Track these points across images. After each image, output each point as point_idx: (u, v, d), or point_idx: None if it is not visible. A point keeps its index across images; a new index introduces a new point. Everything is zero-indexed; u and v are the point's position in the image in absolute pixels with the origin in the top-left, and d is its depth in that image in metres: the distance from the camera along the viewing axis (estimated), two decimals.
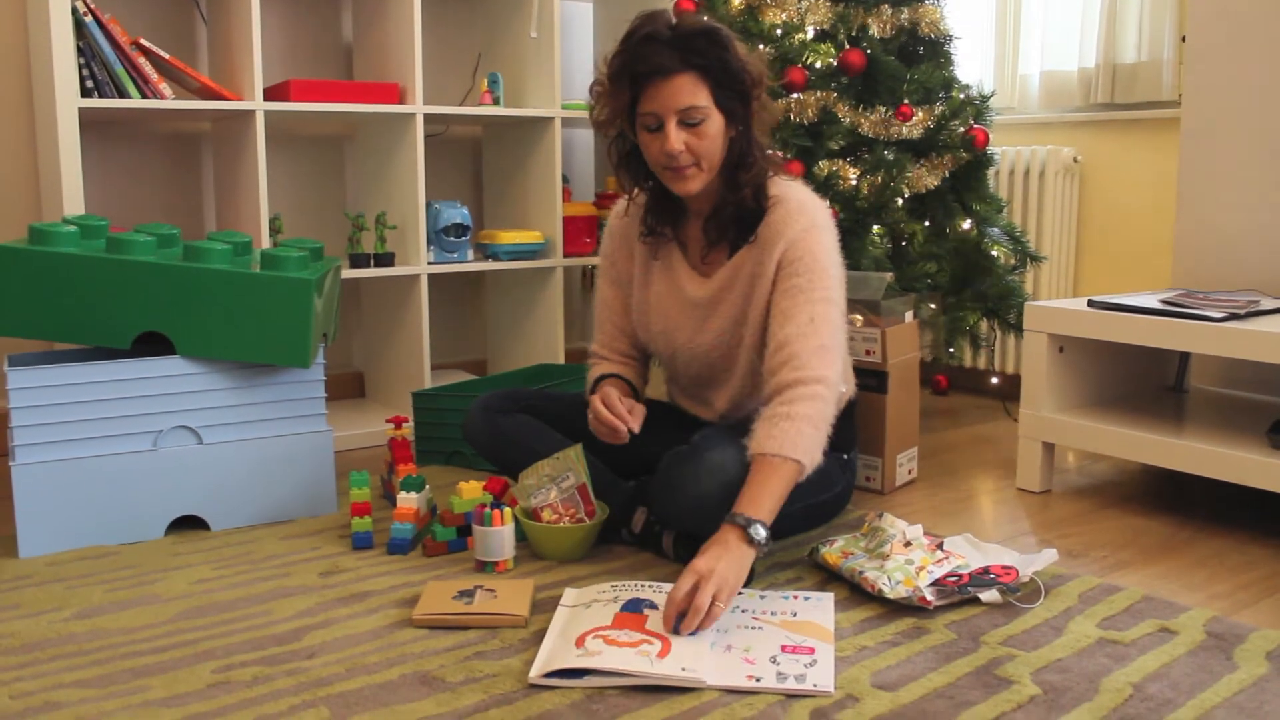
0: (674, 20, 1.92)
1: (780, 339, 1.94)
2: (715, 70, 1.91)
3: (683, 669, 1.55)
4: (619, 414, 2.01)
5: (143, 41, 2.69)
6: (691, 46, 1.89)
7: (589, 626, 1.67)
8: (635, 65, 1.90)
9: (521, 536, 2.12)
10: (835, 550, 1.99)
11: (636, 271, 2.19)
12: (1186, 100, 2.79)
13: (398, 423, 2.48)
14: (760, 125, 2.01)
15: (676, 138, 1.91)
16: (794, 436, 1.82)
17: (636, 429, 2.01)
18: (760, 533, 1.73)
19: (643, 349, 2.25)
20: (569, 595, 1.85)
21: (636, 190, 2.13)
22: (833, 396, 1.90)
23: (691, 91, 1.90)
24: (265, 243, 2.82)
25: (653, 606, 1.73)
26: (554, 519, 2.07)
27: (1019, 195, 3.44)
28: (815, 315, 1.94)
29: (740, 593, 1.86)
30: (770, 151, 2.06)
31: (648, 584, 1.84)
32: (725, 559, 1.69)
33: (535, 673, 1.56)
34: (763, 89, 1.99)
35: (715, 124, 1.93)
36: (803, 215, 1.99)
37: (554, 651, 1.61)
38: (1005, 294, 3.03)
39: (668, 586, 1.79)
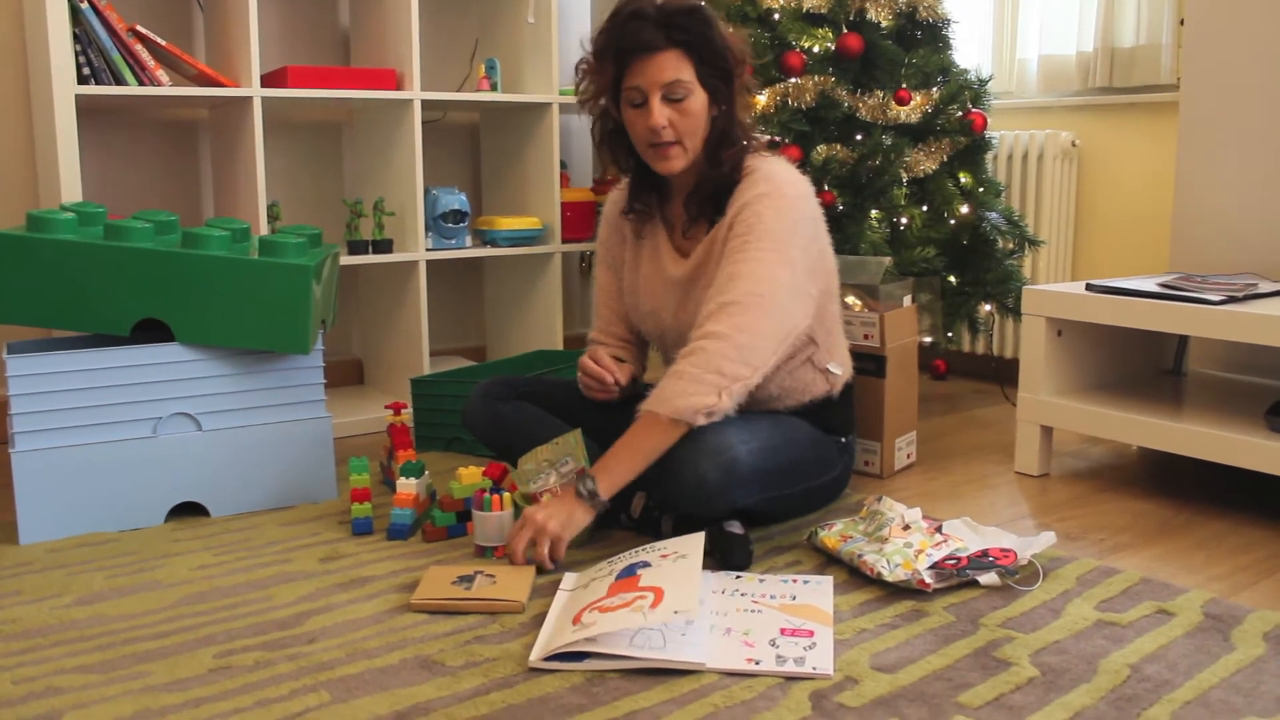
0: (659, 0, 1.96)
1: (705, 298, 1.99)
2: (699, 47, 1.95)
3: (675, 611, 1.56)
4: (606, 366, 2.08)
5: (139, 28, 2.68)
6: (676, 24, 1.94)
7: (586, 603, 1.68)
8: (620, 41, 1.95)
9: None
10: (834, 534, 1.99)
11: (627, 254, 2.22)
12: (1185, 84, 2.79)
13: (397, 409, 2.48)
14: (743, 106, 2.05)
15: (660, 113, 1.95)
16: (658, 391, 1.91)
17: (624, 381, 2.10)
18: (591, 487, 1.89)
19: (640, 333, 2.27)
20: (569, 579, 1.85)
21: (622, 170, 2.17)
22: (720, 348, 1.88)
23: (675, 67, 1.94)
24: (263, 229, 2.82)
25: (646, 565, 1.75)
26: None
27: (1017, 179, 3.44)
28: (735, 273, 1.94)
29: (739, 576, 1.87)
30: (753, 133, 2.09)
31: (642, 548, 1.86)
32: (556, 512, 1.89)
33: (535, 656, 1.57)
34: (745, 69, 2.02)
35: (699, 101, 1.97)
36: (765, 183, 1.99)
37: (553, 633, 1.62)
38: (1004, 278, 3.03)
39: (661, 545, 1.82)
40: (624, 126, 2.05)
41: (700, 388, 1.87)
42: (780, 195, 1.98)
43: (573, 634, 1.57)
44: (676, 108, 1.96)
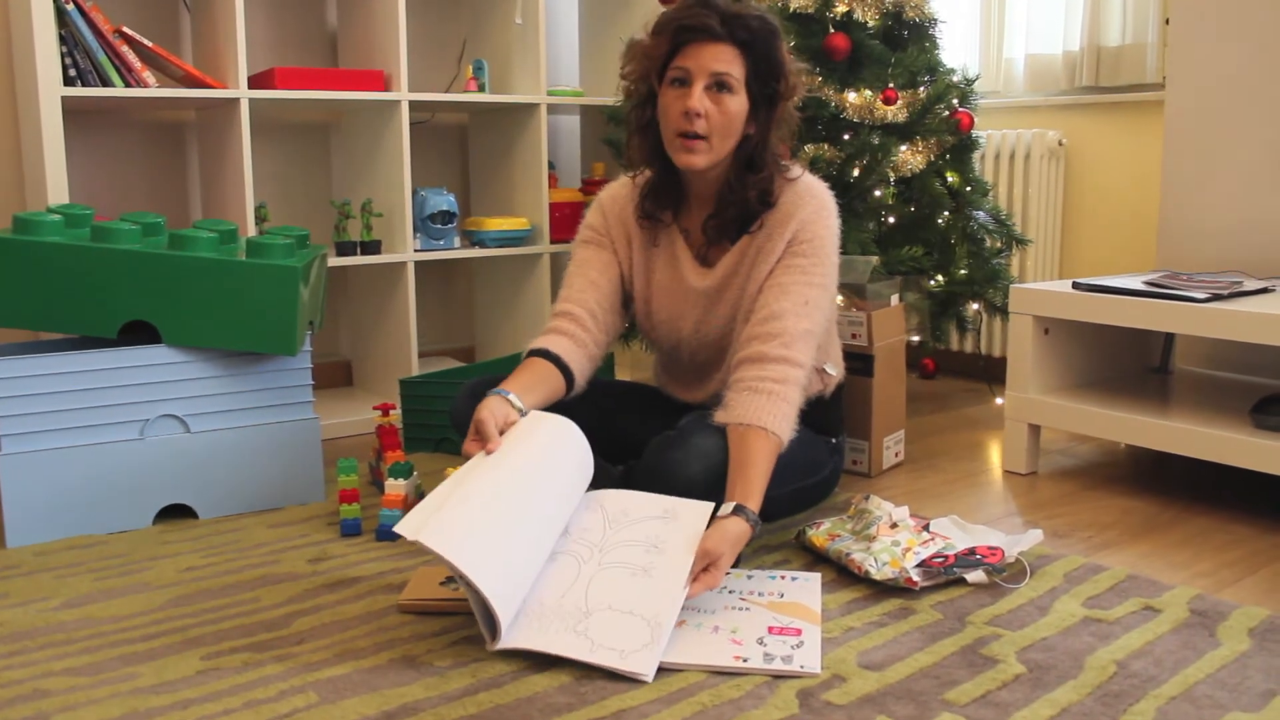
0: (731, 2, 1.93)
1: (774, 310, 1.95)
2: (757, 52, 1.92)
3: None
4: (489, 432, 1.76)
5: (125, 29, 2.67)
6: (742, 23, 1.91)
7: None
8: (681, 19, 1.91)
9: None
10: (822, 533, 2.00)
11: (635, 258, 2.15)
12: (1170, 83, 2.80)
13: (385, 410, 2.48)
14: (778, 133, 2.02)
15: (700, 97, 1.90)
16: (780, 415, 1.86)
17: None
18: (758, 522, 1.77)
19: (609, 310, 2.13)
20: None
21: (643, 169, 2.09)
22: (805, 384, 1.95)
23: (728, 60, 1.91)
24: (251, 231, 2.81)
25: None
26: None
27: (1004, 178, 3.45)
28: (810, 299, 1.97)
29: (727, 573, 1.88)
30: (781, 162, 2.05)
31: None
32: (729, 545, 1.71)
33: (501, 644, 1.57)
34: (793, 99, 1.99)
35: (739, 103, 1.93)
36: (813, 198, 2.02)
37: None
38: (991, 277, 3.04)
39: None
40: (658, 121, 2.00)
41: (794, 418, 1.90)
42: (829, 210, 2.03)
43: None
44: (717, 100, 1.91)
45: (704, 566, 1.69)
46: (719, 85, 1.91)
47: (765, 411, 1.86)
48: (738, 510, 1.75)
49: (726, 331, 2.09)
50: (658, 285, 2.14)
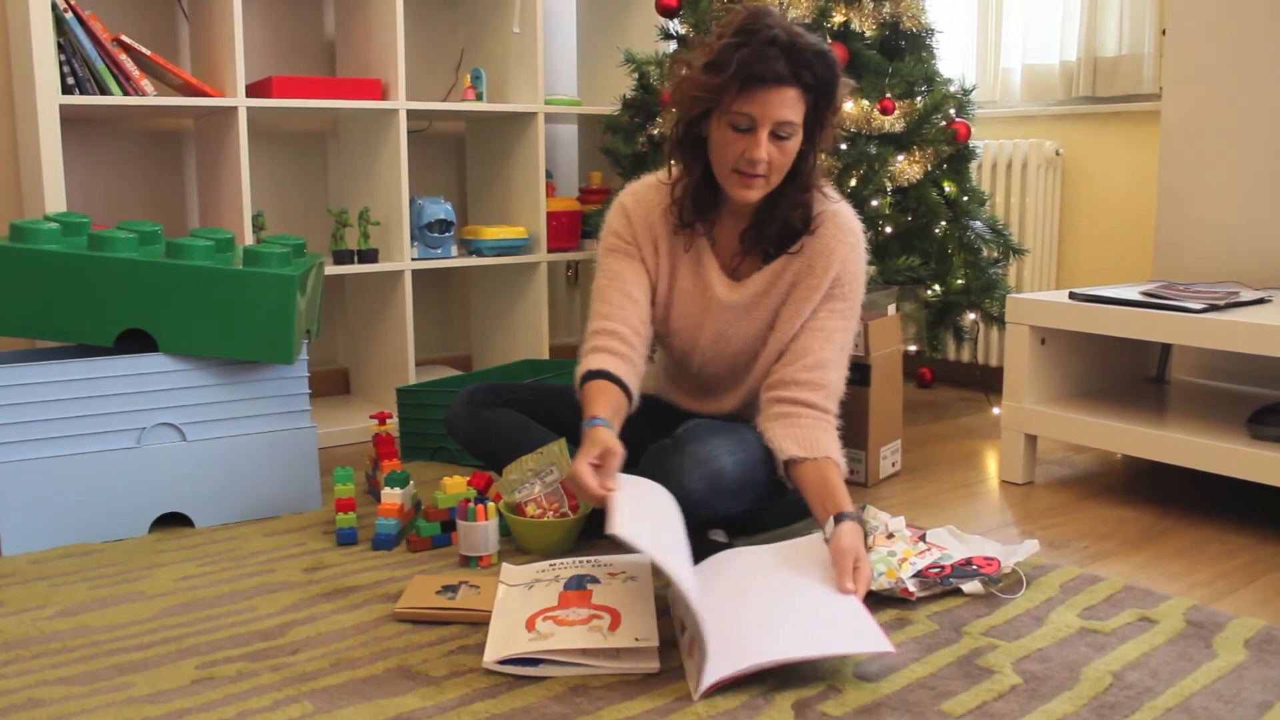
0: (789, 28, 1.89)
1: (819, 358, 2.01)
2: (818, 93, 1.91)
3: (636, 639, 1.58)
4: (591, 485, 1.73)
5: (124, 38, 2.68)
6: (806, 63, 1.87)
7: (536, 608, 1.69)
8: (751, 66, 1.85)
9: (505, 531, 2.13)
10: None
11: (661, 263, 2.11)
12: (1167, 93, 2.81)
13: (382, 419, 2.48)
14: (824, 146, 2.02)
15: (766, 147, 1.89)
16: (840, 452, 1.97)
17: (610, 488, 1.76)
18: (862, 519, 1.84)
19: (648, 323, 2.10)
20: (508, 572, 1.86)
21: (679, 176, 2.05)
22: (832, 420, 2.03)
23: (793, 106, 1.89)
24: (248, 239, 2.81)
25: (595, 581, 1.77)
26: (538, 513, 2.08)
27: (1001, 188, 3.45)
28: (846, 344, 2.05)
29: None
30: (820, 175, 2.06)
31: (586, 560, 1.89)
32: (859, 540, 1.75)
33: (489, 658, 1.57)
34: (838, 116, 2.00)
35: (796, 141, 1.94)
36: (850, 233, 2.04)
37: (506, 635, 1.63)
38: (988, 286, 3.04)
39: (605, 560, 1.85)
40: (704, 139, 1.98)
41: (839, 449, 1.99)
42: (863, 246, 2.07)
43: (529, 642, 1.58)
44: (779, 145, 1.91)
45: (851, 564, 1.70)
46: (781, 132, 1.90)
47: (834, 448, 1.96)
48: (842, 517, 1.78)
49: (746, 350, 2.09)
50: (680, 291, 2.12)
